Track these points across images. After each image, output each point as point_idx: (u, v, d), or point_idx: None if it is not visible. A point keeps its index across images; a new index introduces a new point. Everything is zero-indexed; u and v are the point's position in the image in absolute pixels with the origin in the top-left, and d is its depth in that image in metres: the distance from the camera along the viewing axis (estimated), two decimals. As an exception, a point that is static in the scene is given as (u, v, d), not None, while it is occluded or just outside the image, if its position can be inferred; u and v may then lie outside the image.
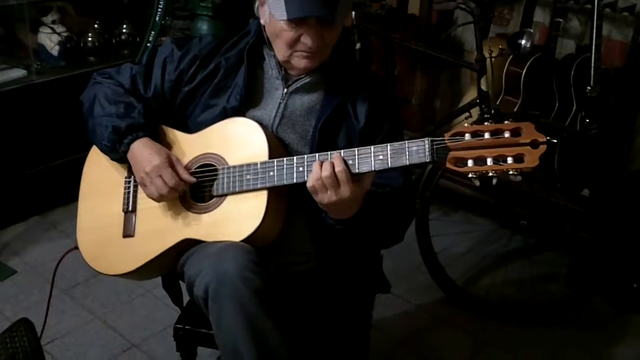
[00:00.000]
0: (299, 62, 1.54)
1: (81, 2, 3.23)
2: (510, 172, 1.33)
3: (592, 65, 2.44)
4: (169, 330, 1.74)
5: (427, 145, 1.37)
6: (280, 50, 1.55)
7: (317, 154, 1.46)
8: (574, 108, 2.65)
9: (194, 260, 1.53)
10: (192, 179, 1.56)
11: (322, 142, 1.55)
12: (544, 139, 1.31)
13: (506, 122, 1.33)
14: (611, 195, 2.61)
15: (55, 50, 3.00)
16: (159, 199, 1.56)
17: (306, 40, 1.50)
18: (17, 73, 2.88)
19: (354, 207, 1.45)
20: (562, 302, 2.53)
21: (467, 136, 1.34)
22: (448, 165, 1.35)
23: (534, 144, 1.31)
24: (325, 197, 1.41)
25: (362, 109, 1.59)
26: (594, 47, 2.42)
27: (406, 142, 1.39)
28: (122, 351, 2.27)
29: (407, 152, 1.38)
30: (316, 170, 1.41)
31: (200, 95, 1.64)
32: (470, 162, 1.33)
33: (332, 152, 1.44)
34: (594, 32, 2.42)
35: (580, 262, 2.58)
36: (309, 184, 1.42)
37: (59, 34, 3.00)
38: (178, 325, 1.69)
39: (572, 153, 2.65)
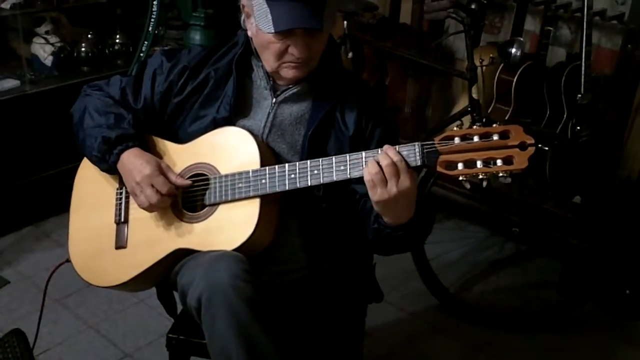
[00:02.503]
0: (288, 72, 1.54)
1: (74, 13, 3.23)
2: (500, 174, 1.34)
3: (583, 73, 2.46)
4: (162, 340, 1.74)
5: (417, 149, 1.38)
6: (268, 61, 1.55)
7: (308, 161, 1.47)
8: (565, 115, 2.66)
9: (187, 270, 1.52)
10: (186, 182, 1.56)
11: (312, 151, 1.55)
12: (532, 141, 1.32)
13: (494, 124, 1.35)
14: (603, 202, 2.62)
15: (48, 61, 3.01)
16: (150, 208, 1.56)
17: (293, 51, 1.50)
18: (10, 83, 2.88)
19: (412, 205, 1.41)
20: (554, 309, 2.54)
21: (457, 140, 1.35)
22: (438, 168, 1.36)
23: (523, 146, 1.33)
24: (385, 192, 1.37)
25: (350, 117, 1.59)
26: (584, 55, 2.44)
27: (397, 146, 1.40)
28: (115, 361, 2.27)
29: (398, 156, 1.39)
30: (373, 164, 1.38)
31: (190, 106, 1.64)
32: (460, 165, 1.35)
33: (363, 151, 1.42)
34: (584, 40, 2.44)
35: (572, 268, 2.59)
36: (366, 178, 1.38)
37: (52, 44, 3.00)
38: (171, 335, 1.69)
39: (564, 160, 2.66)
